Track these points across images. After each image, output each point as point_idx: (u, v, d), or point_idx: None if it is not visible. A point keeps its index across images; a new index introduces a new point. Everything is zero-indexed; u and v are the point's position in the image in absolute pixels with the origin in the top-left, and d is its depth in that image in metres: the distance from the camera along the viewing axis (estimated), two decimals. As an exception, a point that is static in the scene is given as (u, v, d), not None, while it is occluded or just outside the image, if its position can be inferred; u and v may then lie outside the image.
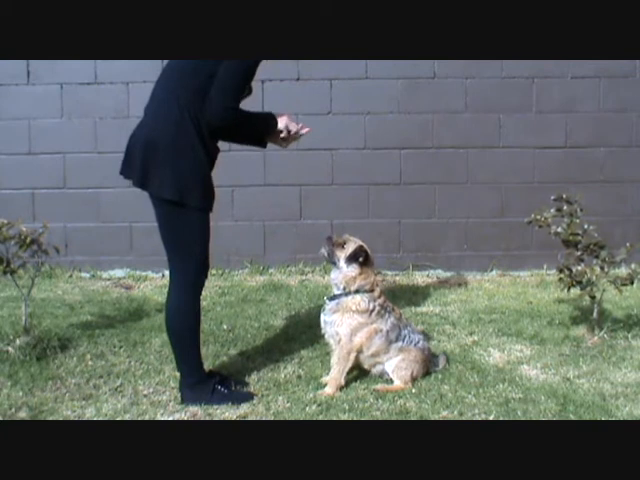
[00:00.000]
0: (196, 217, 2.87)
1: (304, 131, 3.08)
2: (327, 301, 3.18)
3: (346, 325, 3.08)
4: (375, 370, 3.21)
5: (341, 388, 3.08)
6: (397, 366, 3.12)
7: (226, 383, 3.05)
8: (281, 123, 3.01)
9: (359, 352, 3.11)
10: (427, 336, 3.32)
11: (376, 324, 3.10)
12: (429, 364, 3.25)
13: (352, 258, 3.10)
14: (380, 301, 3.14)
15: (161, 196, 2.82)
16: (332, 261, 3.16)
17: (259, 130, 3.05)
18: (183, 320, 2.94)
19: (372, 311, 3.10)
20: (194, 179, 2.83)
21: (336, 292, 3.16)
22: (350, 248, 3.12)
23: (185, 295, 2.92)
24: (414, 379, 3.13)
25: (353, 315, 3.08)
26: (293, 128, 3.04)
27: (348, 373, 3.13)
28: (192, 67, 2.85)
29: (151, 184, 2.83)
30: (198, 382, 2.96)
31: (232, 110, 2.81)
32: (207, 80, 2.79)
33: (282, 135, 3.04)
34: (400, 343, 3.15)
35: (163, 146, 2.80)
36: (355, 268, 3.11)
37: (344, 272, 3.12)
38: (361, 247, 3.13)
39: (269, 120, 3.02)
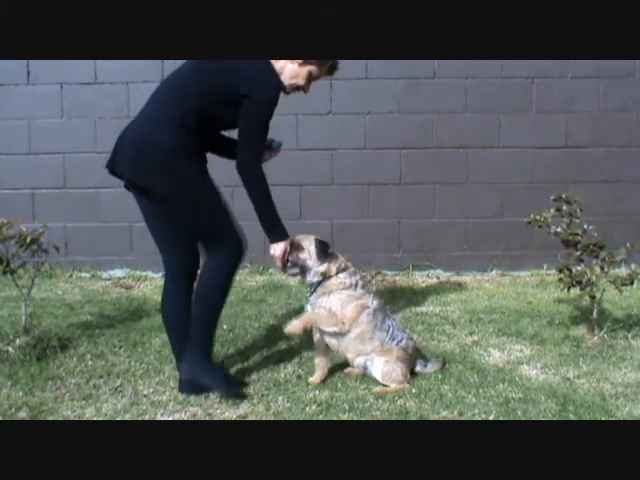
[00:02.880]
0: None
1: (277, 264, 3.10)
2: (309, 296, 3.19)
3: (335, 300, 3.10)
4: (357, 362, 3.17)
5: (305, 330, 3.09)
6: (384, 372, 3.10)
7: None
8: (275, 249, 3.03)
9: (348, 331, 3.08)
10: (409, 335, 3.30)
11: (364, 299, 3.12)
12: (413, 362, 3.22)
13: (321, 254, 3.12)
14: (359, 277, 3.19)
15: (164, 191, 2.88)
16: (306, 269, 3.12)
17: (266, 213, 3.09)
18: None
19: (357, 285, 3.13)
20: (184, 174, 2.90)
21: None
22: (311, 247, 3.12)
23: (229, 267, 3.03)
24: (406, 376, 3.12)
25: (341, 292, 3.11)
26: (277, 256, 3.04)
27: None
28: (196, 83, 2.91)
29: (141, 177, 2.90)
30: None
31: (255, 166, 2.96)
32: (210, 100, 2.87)
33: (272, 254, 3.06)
34: (384, 335, 3.12)
35: (153, 148, 2.84)
36: (325, 260, 3.12)
37: (317, 269, 3.12)
38: (317, 240, 3.15)
39: (277, 227, 3.04)
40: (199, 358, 2.99)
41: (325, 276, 3.12)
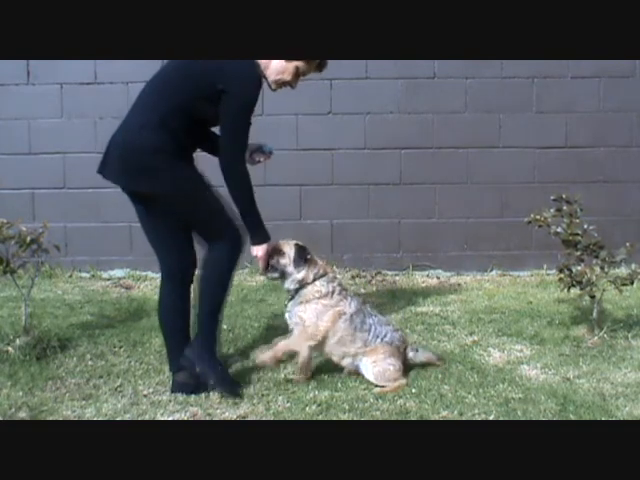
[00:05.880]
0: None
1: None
2: (287, 303, 3.21)
3: (310, 310, 3.10)
4: (345, 363, 3.18)
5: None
6: (375, 373, 3.09)
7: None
8: (257, 250, 3.05)
9: (325, 338, 3.10)
10: (395, 326, 3.28)
11: (340, 307, 3.11)
12: (404, 353, 3.20)
13: (299, 261, 3.13)
14: (337, 282, 3.18)
15: (151, 191, 2.91)
16: (286, 275, 3.15)
17: (249, 214, 3.02)
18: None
19: (333, 292, 3.13)
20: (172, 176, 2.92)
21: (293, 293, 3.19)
22: (291, 252, 3.14)
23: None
24: (399, 371, 3.11)
25: (317, 301, 3.11)
26: (260, 257, 3.07)
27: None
28: (178, 82, 2.92)
29: (134, 182, 2.95)
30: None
31: (238, 163, 2.91)
32: (191, 98, 2.88)
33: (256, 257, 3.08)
34: (366, 335, 3.12)
35: (139, 152, 2.87)
36: (304, 267, 3.13)
37: (295, 276, 3.14)
38: (298, 245, 3.16)
39: (259, 229, 3.03)
40: (204, 352, 3.00)
41: (303, 283, 3.13)
